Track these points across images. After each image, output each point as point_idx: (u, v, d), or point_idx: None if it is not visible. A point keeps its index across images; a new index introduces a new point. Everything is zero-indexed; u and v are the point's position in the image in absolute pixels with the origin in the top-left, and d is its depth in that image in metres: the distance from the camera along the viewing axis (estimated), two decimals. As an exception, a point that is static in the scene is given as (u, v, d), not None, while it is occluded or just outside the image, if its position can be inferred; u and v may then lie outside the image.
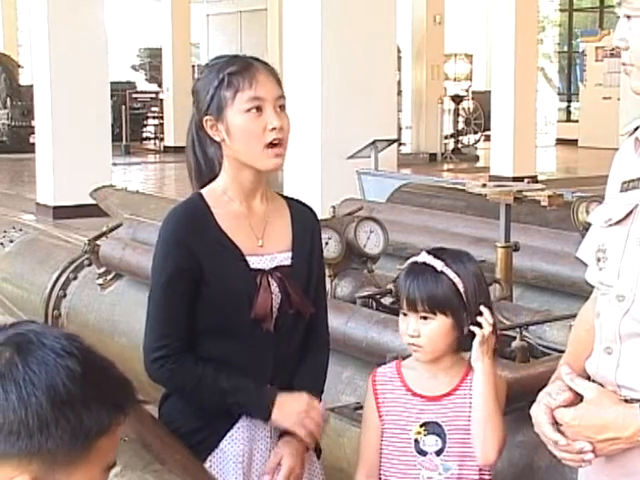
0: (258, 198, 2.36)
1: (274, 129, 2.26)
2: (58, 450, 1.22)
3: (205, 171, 2.38)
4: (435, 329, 2.28)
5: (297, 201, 2.47)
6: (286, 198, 2.46)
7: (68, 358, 1.24)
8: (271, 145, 2.27)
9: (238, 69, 2.27)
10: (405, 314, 2.31)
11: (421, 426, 2.30)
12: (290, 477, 2.27)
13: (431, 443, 2.29)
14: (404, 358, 2.43)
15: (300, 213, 2.43)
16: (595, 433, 1.75)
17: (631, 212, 1.81)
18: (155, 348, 2.28)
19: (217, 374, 2.26)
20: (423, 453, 2.30)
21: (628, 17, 1.79)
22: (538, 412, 1.84)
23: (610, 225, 1.84)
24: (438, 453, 2.29)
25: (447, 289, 2.28)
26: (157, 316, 2.30)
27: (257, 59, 2.34)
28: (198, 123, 2.34)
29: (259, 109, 2.26)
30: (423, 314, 2.28)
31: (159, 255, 2.31)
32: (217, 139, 2.31)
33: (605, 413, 1.76)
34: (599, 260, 1.85)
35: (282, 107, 2.30)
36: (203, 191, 2.36)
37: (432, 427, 2.29)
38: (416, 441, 2.30)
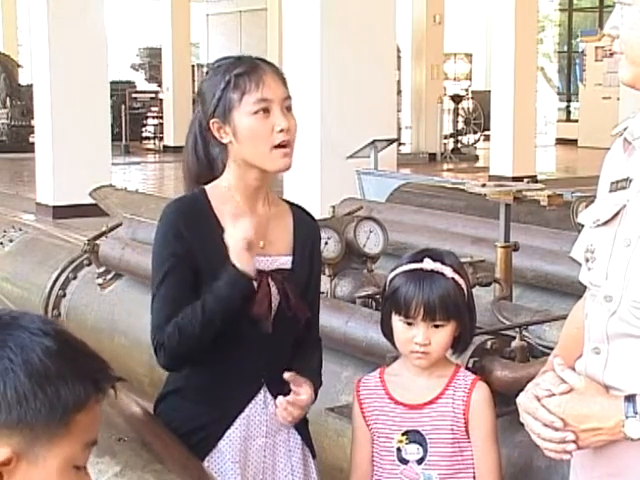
0: (261, 201, 2.36)
1: (282, 131, 2.25)
2: (37, 423, 1.25)
3: (205, 172, 2.37)
4: (446, 336, 2.28)
5: (300, 208, 2.46)
6: (289, 204, 2.45)
7: (44, 336, 1.29)
8: (279, 146, 2.26)
9: (245, 70, 2.26)
10: (410, 323, 2.27)
11: (403, 434, 2.29)
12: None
13: (412, 451, 2.28)
14: (388, 365, 2.42)
15: (302, 220, 2.42)
16: (578, 422, 1.74)
17: (618, 213, 1.80)
18: (153, 336, 2.26)
19: (184, 311, 2.20)
20: (405, 462, 2.29)
21: (621, 5, 1.79)
22: (527, 399, 1.82)
23: (598, 225, 1.84)
24: (419, 462, 2.28)
25: (458, 295, 2.28)
26: (159, 306, 2.26)
27: (263, 60, 2.32)
28: (205, 125, 2.32)
29: (266, 111, 2.25)
30: (439, 322, 2.26)
31: (157, 247, 2.30)
32: (224, 141, 2.30)
33: (589, 403, 1.75)
34: (588, 260, 1.85)
35: (288, 108, 2.29)
36: (206, 187, 2.35)
37: (413, 435, 2.28)
38: (398, 449, 2.29)
